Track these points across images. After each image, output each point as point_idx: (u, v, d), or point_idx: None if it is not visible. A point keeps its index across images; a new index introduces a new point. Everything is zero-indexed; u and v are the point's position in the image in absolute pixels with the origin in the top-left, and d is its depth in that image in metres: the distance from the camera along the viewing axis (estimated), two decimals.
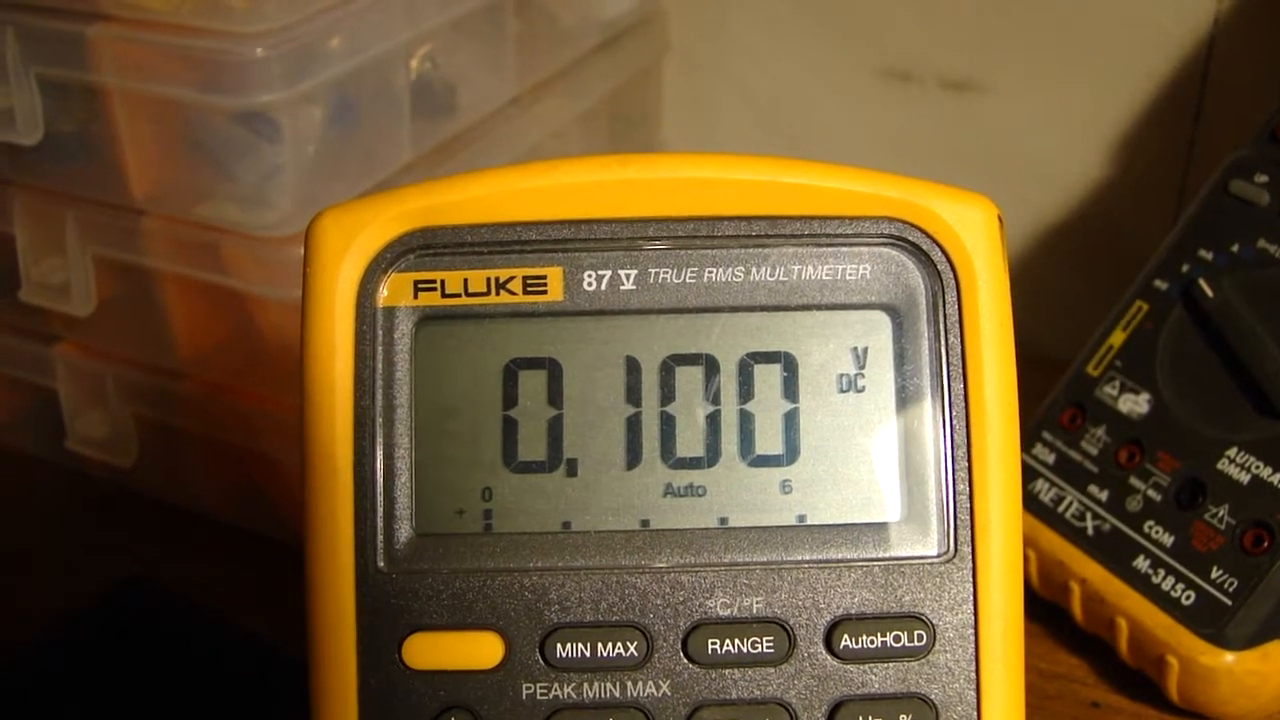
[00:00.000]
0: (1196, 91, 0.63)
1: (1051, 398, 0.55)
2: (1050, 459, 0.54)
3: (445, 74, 0.58)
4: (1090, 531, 0.51)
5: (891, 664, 0.32)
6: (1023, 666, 0.32)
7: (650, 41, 0.73)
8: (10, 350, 0.62)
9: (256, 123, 0.51)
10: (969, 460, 0.32)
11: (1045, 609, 0.53)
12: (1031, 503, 0.53)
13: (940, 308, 0.32)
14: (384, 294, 0.32)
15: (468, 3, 0.58)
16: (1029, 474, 0.54)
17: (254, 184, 0.52)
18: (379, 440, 0.32)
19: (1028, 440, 0.54)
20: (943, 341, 0.32)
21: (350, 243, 0.32)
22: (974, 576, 0.32)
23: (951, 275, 0.32)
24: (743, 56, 0.73)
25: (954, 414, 0.32)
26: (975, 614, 0.32)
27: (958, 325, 0.32)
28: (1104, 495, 0.51)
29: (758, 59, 0.73)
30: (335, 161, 0.54)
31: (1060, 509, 0.52)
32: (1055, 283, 0.69)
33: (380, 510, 0.32)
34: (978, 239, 0.32)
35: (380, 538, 0.32)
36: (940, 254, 0.32)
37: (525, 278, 0.33)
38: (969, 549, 0.32)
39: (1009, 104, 0.68)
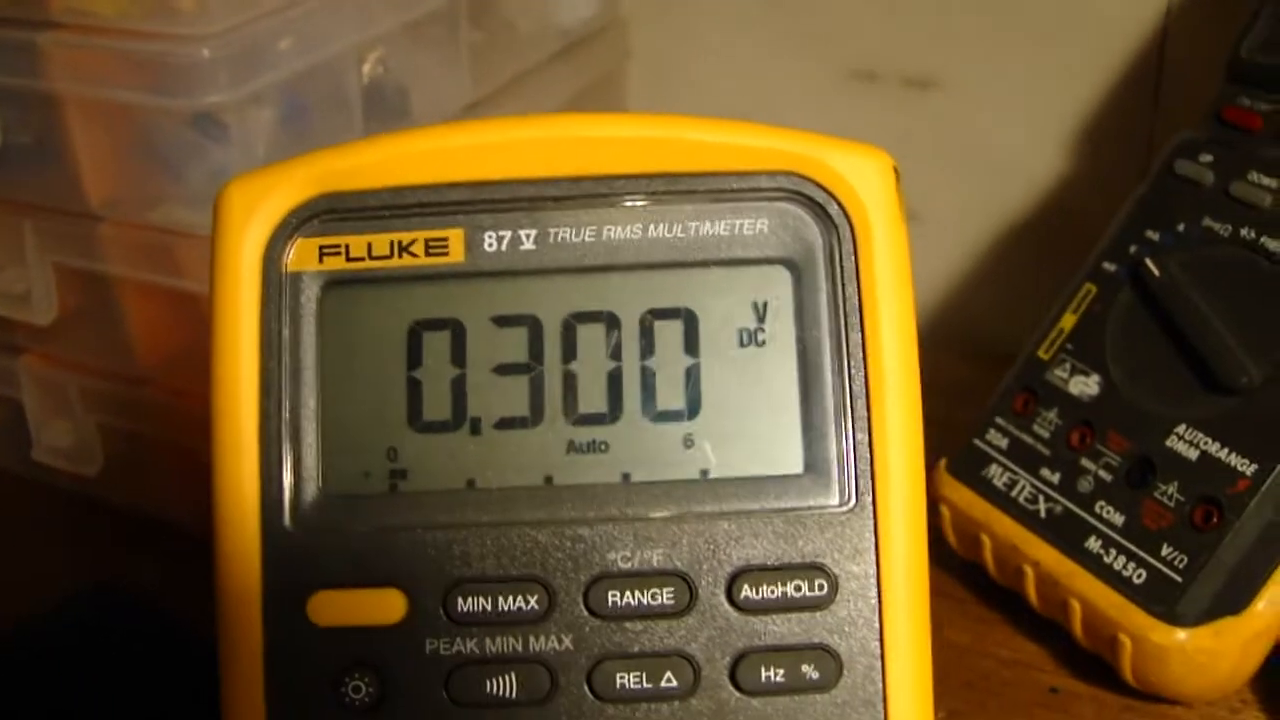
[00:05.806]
0: (1153, 81, 0.64)
1: (1004, 384, 0.55)
2: (1003, 444, 0.53)
3: (398, 78, 0.58)
4: (1043, 514, 0.51)
5: (793, 614, 0.32)
6: (928, 617, 0.32)
7: (610, 49, 0.73)
8: None
9: (205, 124, 0.52)
10: (868, 411, 0.32)
11: (1003, 596, 0.52)
12: (985, 488, 0.53)
13: (837, 260, 0.33)
14: (290, 259, 0.33)
15: (420, 8, 0.58)
16: (983, 460, 0.53)
17: (203, 185, 0.52)
18: (285, 403, 0.33)
19: (981, 427, 0.54)
20: (840, 294, 0.33)
21: (256, 208, 0.33)
22: (875, 526, 0.32)
23: (848, 228, 0.33)
24: (705, 62, 0.73)
25: (853, 366, 0.32)
26: (877, 564, 0.32)
27: (854, 278, 0.33)
28: (1055, 478, 0.51)
29: (721, 64, 0.73)
30: None
31: (1013, 493, 0.52)
32: (1020, 276, 0.69)
33: (287, 471, 0.32)
34: (873, 191, 0.33)
35: (287, 498, 0.32)
36: (836, 207, 0.33)
37: (427, 240, 0.33)
38: (869, 499, 0.32)
39: (970, 100, 0.68)
